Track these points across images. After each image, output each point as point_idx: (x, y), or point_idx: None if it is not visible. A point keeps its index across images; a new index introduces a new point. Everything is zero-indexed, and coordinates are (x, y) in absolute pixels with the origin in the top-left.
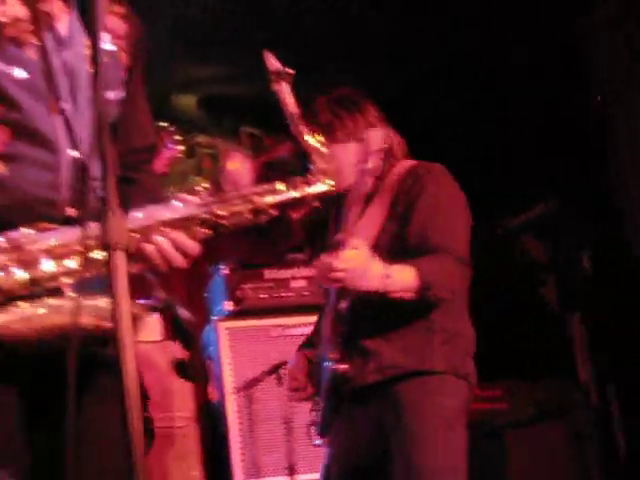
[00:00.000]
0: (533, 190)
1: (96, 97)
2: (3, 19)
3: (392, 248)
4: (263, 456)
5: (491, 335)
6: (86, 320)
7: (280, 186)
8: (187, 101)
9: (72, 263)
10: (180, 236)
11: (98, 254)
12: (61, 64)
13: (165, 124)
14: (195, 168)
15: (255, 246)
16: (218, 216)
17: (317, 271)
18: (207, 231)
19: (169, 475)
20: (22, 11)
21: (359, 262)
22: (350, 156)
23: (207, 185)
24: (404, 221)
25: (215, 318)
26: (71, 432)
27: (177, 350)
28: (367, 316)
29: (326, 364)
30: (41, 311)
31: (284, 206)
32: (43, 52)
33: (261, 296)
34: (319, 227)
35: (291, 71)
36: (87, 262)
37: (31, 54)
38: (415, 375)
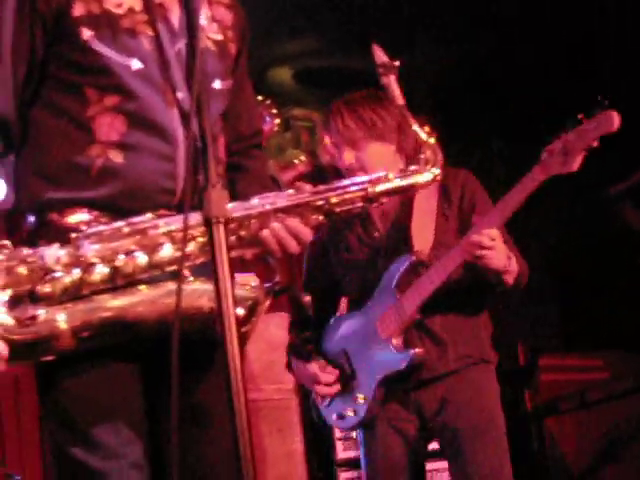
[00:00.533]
0: (632, 158)
1: (194, 83)
2: (119, 11)
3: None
4: None
5: (592, 305)
6: (206, 302)
7: (391, 175)
8: (282, 75)
9: (192, 247)
10: (295, 222)
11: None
12: (175, 54)
13: (261, 98)
14: (292, 141)
15: None
16: (331, 204)
17: (463, 246)
18: (320, 218)
19: (270, 447)
20: (137, 2)
21: (500, 241)
22: (385, 154)
23: (304, 158)
24: (464, 218)
25: None
26: (175, 415)
27: (280, 324)
28: (437, 307)
29: (388, 351)
30: (162, 294)
31: (393, 194)
32: (158, 43)
33: None
34: None
35: (397, 63)
36: (204, 247)
37: (146, 45)
38: (479, 363)
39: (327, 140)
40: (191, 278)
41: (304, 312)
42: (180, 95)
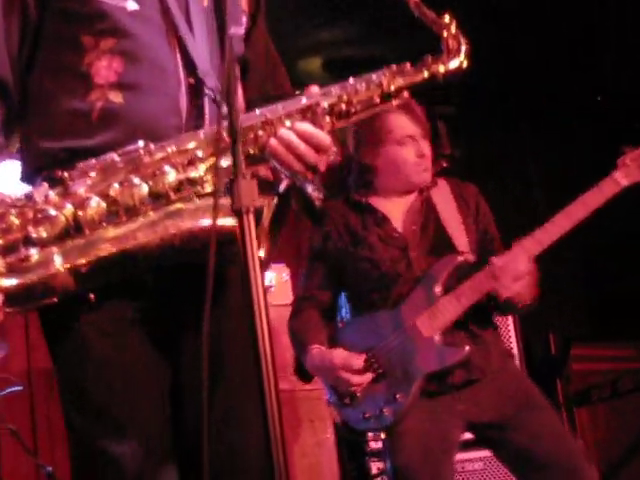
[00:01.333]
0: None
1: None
2: None
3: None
4: None
5: (625, 294)
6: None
7: (409, 67)
8: (312, 65)
9: (194, 171)
10: (307, 127)
11: (224, 161)
12: None
13: None
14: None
15: None
16: (346, 102)
17: (496, 271)
18: (335, 121)
19: (301, 437)
20: None
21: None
22: (415, 153)
23: (335, 148)
24: (483, 230)
25: None
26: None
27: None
28: (475, 308)
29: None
30: (161, 217)
31: (415, 87)
32: None
33: None
34: None
35: None
36: (214, 169)
37: None
38: (508, 356)
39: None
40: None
41: (310, 206)
42: (181, 34)
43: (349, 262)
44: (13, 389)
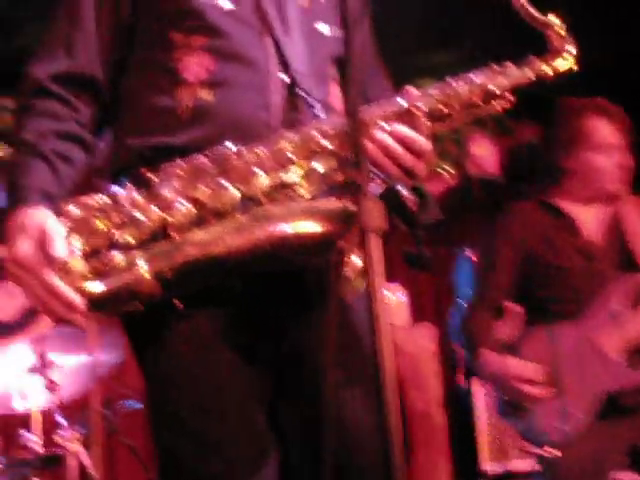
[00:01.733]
0: None
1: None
2: None
3: None
4: (510, 441)
5: None
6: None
7: (512, 66)
8: (427, 85)
9: (287, 174)
10: (404, 129)
11: (319, 165)
12: None
13: None
14: (438, 152)
15: None
16: (446, 104)
17: None
18: (436, 124)
19: (415, 458)
20: None
21: None
22: (613, 163)
23: (452, 170)
24: None
25: (462, 302)
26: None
27: (425, 335)
28: None
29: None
30: (249, 219)
31: (520, 89)
32: None
33: None
34: None
35: None
36: (311, 173)
37: None
38: None
39: (475, 151)
40: (305, 193)
41: (404, 209)
42: (275, 32)
43: (537, 267)
44: (132, 405)
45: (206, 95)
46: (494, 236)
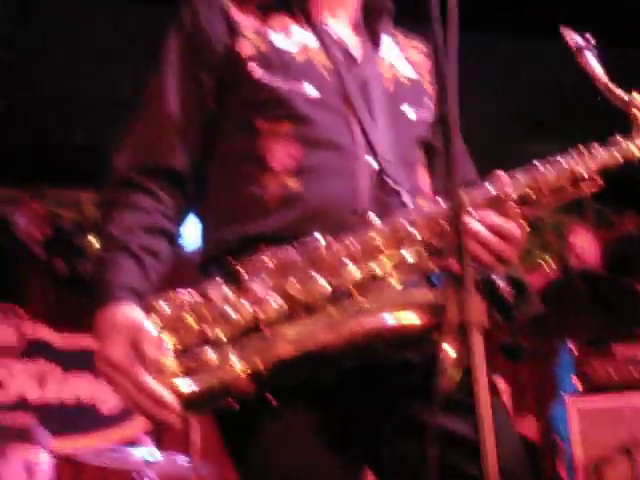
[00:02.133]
0: None
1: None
2: (291, 48)
3: None
4: None
5: None
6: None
7: (599, 149)
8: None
9: (377, 264)
10: (494, 217)
11: (408, 255)
12: (355, 83)
13: None
14: (539, 244)
15: (603, 321)
16: (535, 190)
17: None
18: (525, 210)
19: None
20: (311, 39)
21: None
22: None
23: (552, 262)
24: None
25: (564, 395)
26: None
27: (524, 427)
28: None
29: None
30: (343, 313)
31: (608, 171)
32: (336, 72)
33: (611, 373)
34: None
35: (591, 39)
36: (401, 264)
37: (323, 74)
38: None
39: (575, 242)
40: (397, 284)
41: (501, 299)
42: (361, 117)
43: None
44: None
45: (294, 184)
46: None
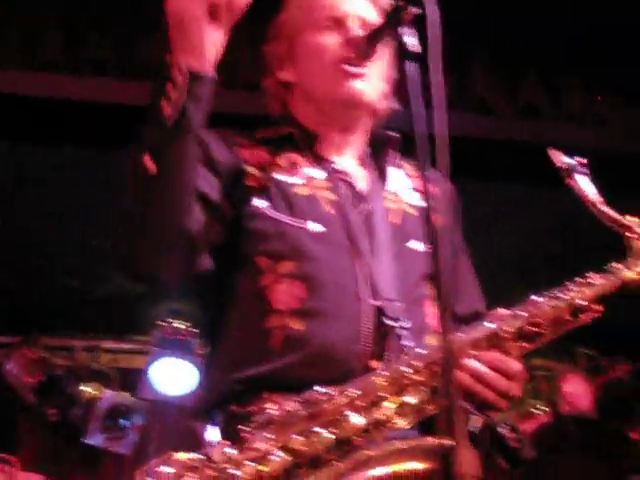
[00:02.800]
0: None
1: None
2: (296, 180)
3: None
4: None
5: None
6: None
7: (595, 277)
8: None
9: (379, 412)
10: (493, 354)
11: (411, 399)
12: (359, 217)
13: None
14: (531, 391)
15: (595, 468)
16: (534, 324)
17: None
18: (525, 344)
19: None
20: (318, 172)
21: None
22: None
23: (544, 408)
24: None
25: None
26: None
27: None
28: None
29: None
30: (352, 466)
31: (605, 298)
32: (340, 206)
33: None
34: None
35: (583, 160)
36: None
37: (326, 208)
38: None
39: (567, 389)
40: (400, 426)
41: (505, 446)
42: (365, 255)
43: None
44: None
45: (296, 324)
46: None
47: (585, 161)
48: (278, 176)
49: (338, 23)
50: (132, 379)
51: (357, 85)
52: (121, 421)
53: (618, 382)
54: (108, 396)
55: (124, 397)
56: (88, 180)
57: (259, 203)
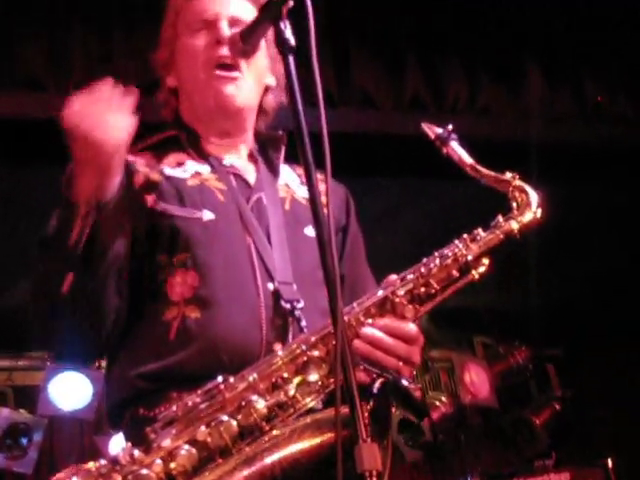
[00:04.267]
0: None
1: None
2: (183, 175)
3: None
4: None
5: None
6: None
7: (481, 231)
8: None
9: (281, 393)
10: (387, 320)
11: (312, 375)
12: (250, 205)
13: None
14: (432, 383)
15: (500, 455)
16: (423, 284)
17: None
18: (419, 306)
19: None
20: (203, 167)
21: None
22: None
23: (445, 399)
24: None
25: None
26: None
27: None
28: None
29: None
30: (261, 449)
31: (492, 251)
32: (231, 194)
33: None
34: (564, 430)
35: (450, 127)
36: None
37: (218, 197)
38: None
39: (467, 378)
40: (305, 404)
41: (410, 400)
42: (258, 242)
43: None
44: None
45: (192, 312)
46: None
47: (451, 127)
48: (167, 171)
49: (209, 25)
50: (28, 396)
51: (228, 90)
52: (20, 439)
53: (517, 368)
54: (5, 414)
55: (21, 415)
56: None
57: (148, 198)
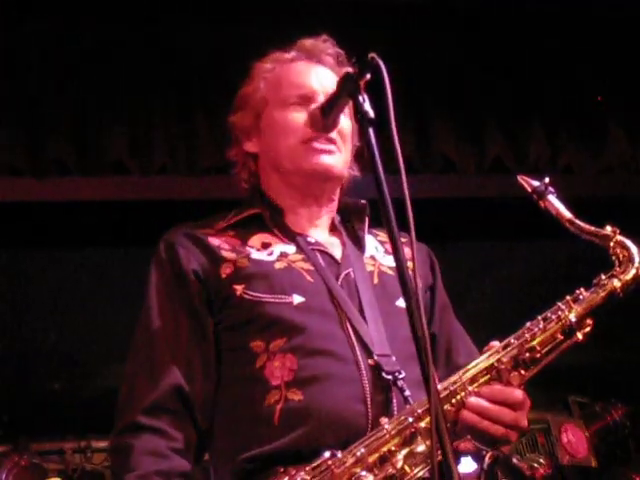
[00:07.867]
0: None
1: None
2: (270, 258)
3: None
4: None
5: None
6: None
7: (584, 292)
8: None
9: (390, 467)
10: (493, 388)
11: (419, 447)
12: (340, 282)
13: None
14: (528, 445)
15: None
16: (528, 349)
17: None
18: (524, 372)
19: None
20: (289, 247)
21: None
22: None
23: (543, 461)
24: None
25: None
26: None
27: None
28: None
29: None
30: None
31: (597, 310)
32: (319, 274)
33: None
34: None
35: (547, 180)
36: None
37: (306, 278)
38: None
39: (564, 438)
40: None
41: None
42: (352, 318)
43: None
44: None
45: (294, 395)
46: None
47: (548, 180)
48: (254, 255)
49: (306, 100)
50: None
51: (326, 160)
52: None
53: (615, 426)
54: None
55: None
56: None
57: (237, 287)
